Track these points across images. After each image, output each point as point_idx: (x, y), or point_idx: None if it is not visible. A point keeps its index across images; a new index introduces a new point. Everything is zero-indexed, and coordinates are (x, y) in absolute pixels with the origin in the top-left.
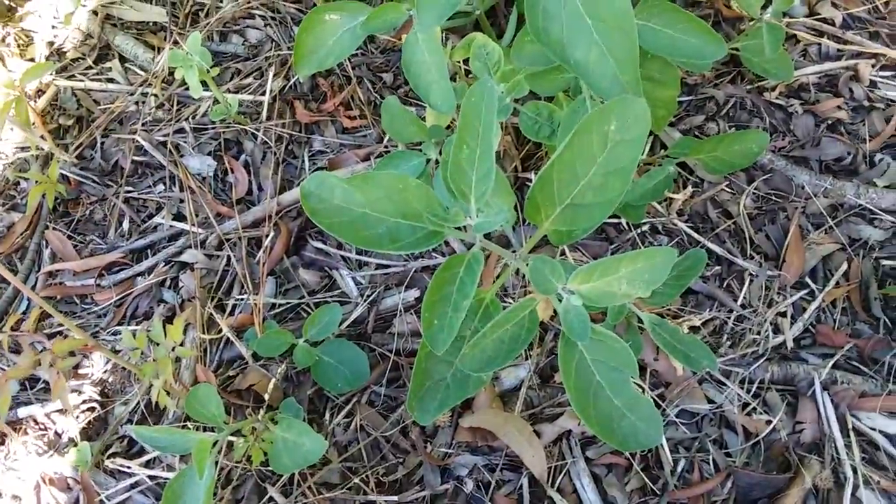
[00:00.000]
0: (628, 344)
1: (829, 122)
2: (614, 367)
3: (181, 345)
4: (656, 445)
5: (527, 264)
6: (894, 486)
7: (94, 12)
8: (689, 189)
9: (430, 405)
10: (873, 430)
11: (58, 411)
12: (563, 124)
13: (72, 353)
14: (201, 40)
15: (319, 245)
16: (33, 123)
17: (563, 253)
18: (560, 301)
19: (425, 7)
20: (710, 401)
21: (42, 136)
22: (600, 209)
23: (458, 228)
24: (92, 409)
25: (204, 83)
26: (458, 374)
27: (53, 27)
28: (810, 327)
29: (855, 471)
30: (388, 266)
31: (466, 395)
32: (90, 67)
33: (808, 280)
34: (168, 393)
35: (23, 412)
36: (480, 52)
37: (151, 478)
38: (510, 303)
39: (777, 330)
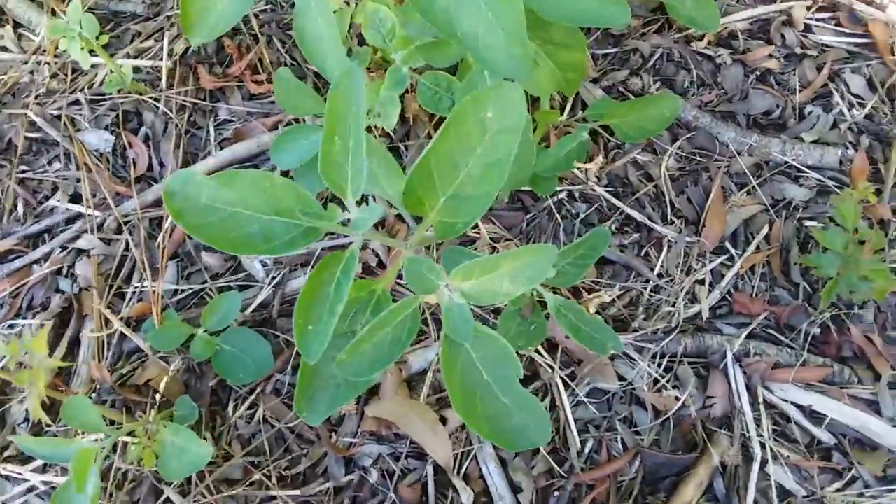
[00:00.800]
0: (532, 327)
1: (759, 72)
2: (501, 365)
3: (76, 342)
4: (566, 419)
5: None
6: (804, 461)
7: None
8: (601, 157)
9: (320, 405)
10: (785, 401)
11: None
12: (458, 97)
13: None
14: (87, 1)
15: None
16: None
17: (476, 225)
18: (444, 298)
19: None
20: (621, 378)
21: None
22: (480, 202)
23: (342, 223)
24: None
25: (93, 52)
26: (331, 384)
27: None
28: (727, 295)
29: (764, 445)
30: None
31: (357, 394)
32: None
33: (728, 245)
34: (44, 406)
35: None
36: (373, 19)
37: (45, 482)
38: (406, 293)
39: (693, 299)
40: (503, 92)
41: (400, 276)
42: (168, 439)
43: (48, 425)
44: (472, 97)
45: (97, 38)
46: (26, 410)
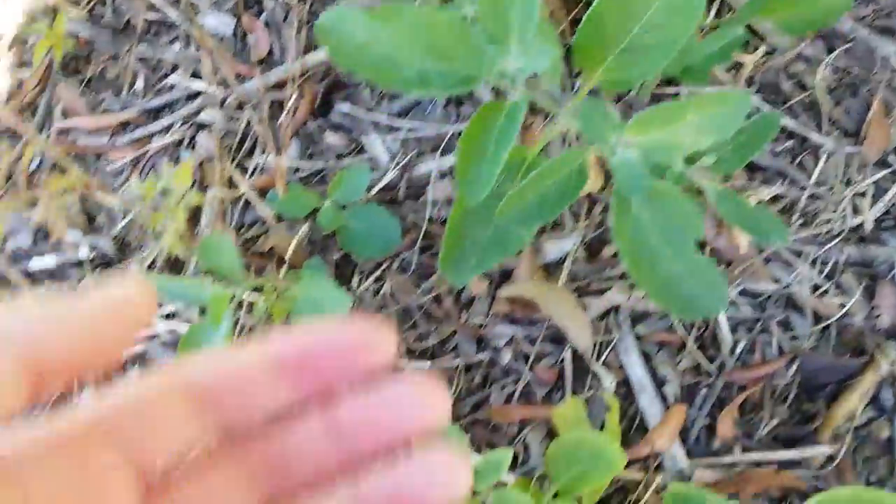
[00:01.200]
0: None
1: None
2: (674, 228)
3: (199, 207)
4: (716, 317)
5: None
6: None
7: None
8: (760, 53)
9: (465, 265)
10: None
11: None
12: None
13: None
14: None
15: (347, 109)
16: None
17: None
18: (613, 156)
19: None
20: (776, 281)
21: None
22: (662, 51)
23: (498, 73)
24: (108, 265)
25: None
26: (497, 232)
27: None
28: (892, 208)
29: None
30: (421, 130)
31: (506, 255)
32: None
33: (891, 159)
34: (181, 241)
35: (37, 264)
36: None
37: (170, 332)
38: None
39: (855, 210)
40: None
41: (543, 149)
42: (301, 292)
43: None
44: None
45: None
46: (146, 268)
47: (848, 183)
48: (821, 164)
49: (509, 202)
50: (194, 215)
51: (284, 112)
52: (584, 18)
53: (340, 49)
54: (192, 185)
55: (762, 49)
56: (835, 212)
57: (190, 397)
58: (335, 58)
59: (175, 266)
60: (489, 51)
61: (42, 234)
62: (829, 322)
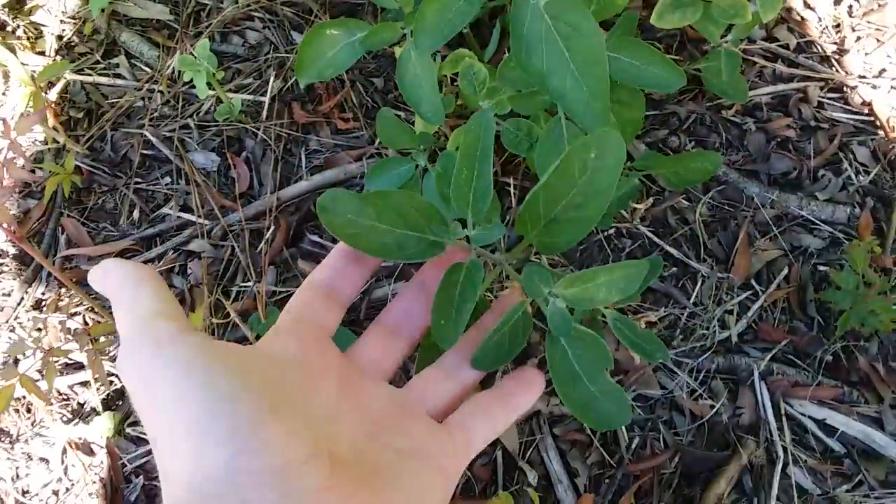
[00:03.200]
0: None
1: (779, 139)
2: (591, 359)
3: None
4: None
5: (511, 265)
6: (820, 465)
7: (101, 9)
8: (650, 200)
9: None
10: (804, 415)
11: (80, 384)
12: (540, 140)
13: (109, 334)
14: (193, 41)
15: (316, 238)
16: (46, 116)
17: (537, 253)
18: (546, 304)
19: (422, 33)
20: (662, 387)
21: (55, 128)
22: (580, 225)
23: (460, 239)
24: (111, 383)
25: (209, 85)
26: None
27: (62, 21)
28: (753, 324)
29: (786, 450)
30: None
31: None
32: (98, 62)
33: (753, 282)
34: None
35: (45, 385)
36: (468, 71)
37: None
38: (490, 297)
39: (724, 326)
40: (605, 137)
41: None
42: None
43: None
44: (580, 141)
45: (214, 74)
46: None
47: (719, 303)
48: (698, 287)
49: (479, 354)
50: None
51: (263, 241)
52: (525, 199)
53: (334, 222)
54: (183, 304)
55: (654, 193)
56: (707, 328)
57: None
58: (331, 229)
59: None
60: (451, 224)
61: None
62: (702, 421)
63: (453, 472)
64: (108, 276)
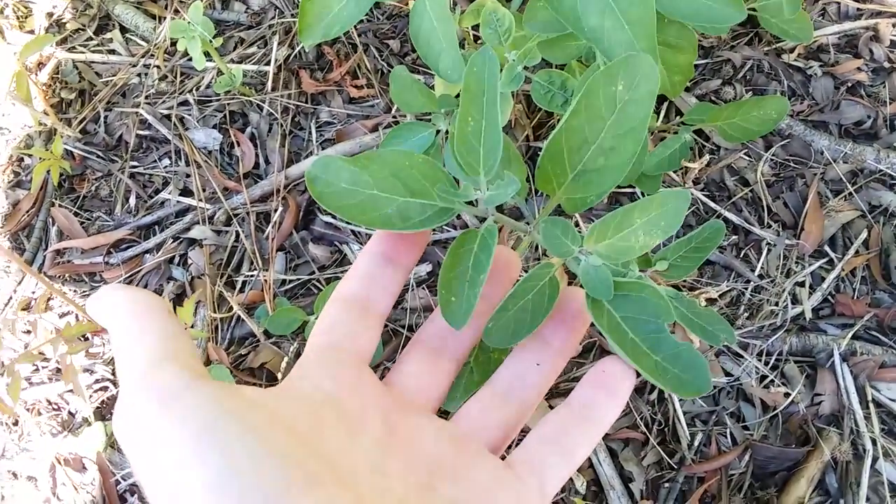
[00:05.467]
0: None
1: (849, 84)
2: (646, 319)
3: (192, 326)
4: (675, 412)
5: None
6: None
7: None
8: (706, 157)
9: (456, 392)
10: (893, 401)
11: (71, 391)
12: (576, 93)
13: (84, 337)
14: (203, 9)
15: (329, 219)
16: (35, 97)
17: (576, 224)
18: (578, 264)
19: None
20: (727, 373)
21: (45, 111)
22: (613, 172)
23: (470, 203)
24: (105, 389)
25: (207, 54)
26: (480, 355)
27: None
28: (829, 297)
29: (874, 442)
30: None
31: (488, 376)
32: (90, 38)
33: (826, 249)
34: None
35: (36, 393)
36: (491, 18)
37: None
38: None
39: (795, 300)
40: (634, 62)
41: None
42: None
43: None
44: (604, 70)
45: (211, 41)
46: None
47: (788, 274)
48: (763, 256)
49: (494, 324)
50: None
51: (270, 224)
52: (543, 149)
53: (326, 194)
54: (183, 297)
55: (707, 151)
56: (777, 304)
57: None
58: (322, 202)
59: None
60: (461, 185)
61: None
62: (775, 412)
63: None
64: (105, 307)
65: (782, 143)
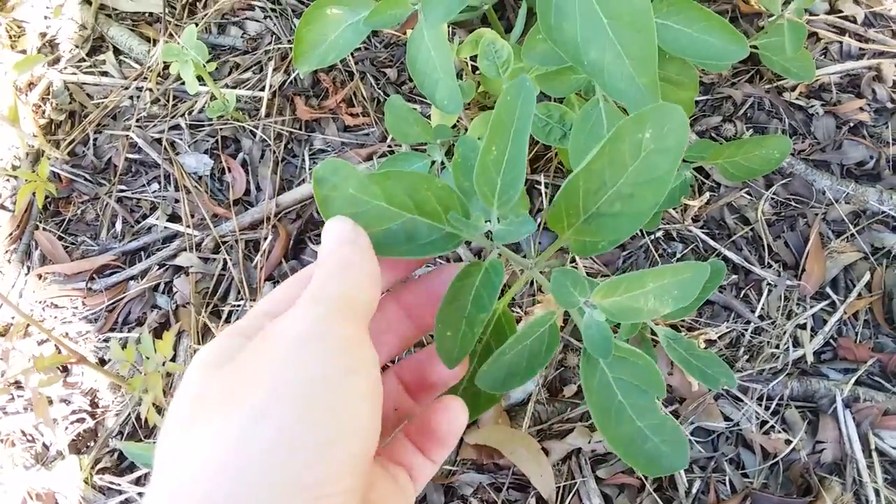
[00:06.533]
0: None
1: (851, 124)
2: (637, 386)
3: (173, 359)
4: (684, 465)
5: (542, 273)
6: None
7: (88, 2)
8: (706, 194)
9: None
10: None
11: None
12: (575, 127)
13: (64, 368)
14: (198, 33)
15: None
16: (24, 118)
17: (573, 260)
18: (581, 315)
19: (432, 3)
20: (726, 418)
21: (34, 135)
22: (629, 220)
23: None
24: (81, 421)
25: (200, 78)
26: (469, 392)
27: (46, 17)
28: (831, 340)
29: (878, 493)
30: None
31: (478, 415)
32: (83, 60)
33: (828, 290)
34: (158, 409)
35: (10, 423)
36: (489, 49)
37: (141, 495)
38: (518, 313)
39: (796, 343)
40: (664, 112)
41: (512, 301)
42: None
43: (143, 438)
44: (634, 116)
45: (205, 65)
46: (120, 424)
47: (789, 316)
48: (763, 297)
49: (488, 368)
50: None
51: (259, 253)
52: (561, 188)
53: (331, 199)
54: (167, 326)
55: (707, 188)
56: (777, 347)
57: None
58: (324, 206)
59: (147, 424)
60: (473, 215)
61: None
62: (776, 459)
63: None
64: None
65: (783, 181)
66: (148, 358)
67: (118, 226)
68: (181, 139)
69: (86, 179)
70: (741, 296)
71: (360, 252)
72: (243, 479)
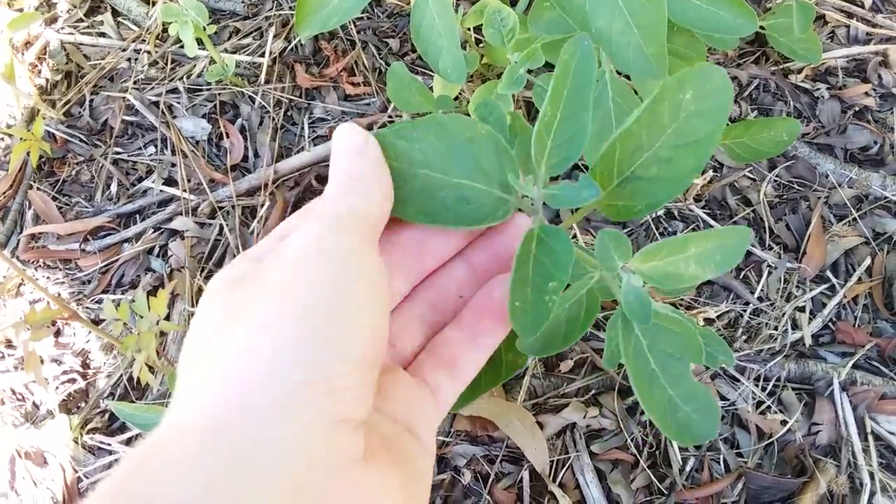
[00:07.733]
0: None
1: (856, 108)
2: (672, 354)
3: (167, 318)
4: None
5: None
6: None
7: None
8: (709, 174)
9: (464, 395)
10: (892, 434)
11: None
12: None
13: (53, 323)
14: None
15: None
16: (20, 77)
17: (574, 236)
18: (619, 281)
19: None
20: (722, 398)
21: (29, 92)
22: (666, 186)
23: (525, 197)
24: (72, 381)
25: (199, 41)
26: (492, 362)
27: None
28: (830, 324)
29: (872, 476)
30: None
31: (500, 382)
32: (81, 20)
33: (828, 274)
34: (151, 369)
35: (0, 382)
36: (494, 18)
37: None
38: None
39: (795, 325)
40: (706, 72)
41: None
42: None
43: (134, 400)
44: (674, 78)
45: (205, 28)
46: (112, 385)
47: (788, 298)
48: (763, 278)
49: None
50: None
51: (256, 219)
52: (601, 152)
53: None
54: (160, 289)
55: (710, 168)
56: (776, 328)
57: None
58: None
59: (138, 385)
60: (527, 180)
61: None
62: (771, 439)
63: (431, 444)
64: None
65: (786, 164)
66: (141, 317)
67: (113, 188)
68: (179, 103)
69: (81, 140)
70: (741, 276)
71: (370, 164)
72: (255, 381)
